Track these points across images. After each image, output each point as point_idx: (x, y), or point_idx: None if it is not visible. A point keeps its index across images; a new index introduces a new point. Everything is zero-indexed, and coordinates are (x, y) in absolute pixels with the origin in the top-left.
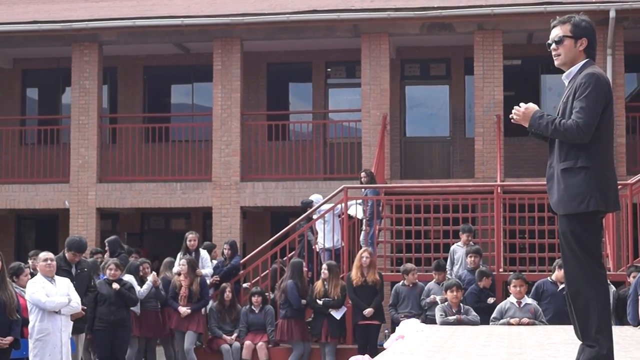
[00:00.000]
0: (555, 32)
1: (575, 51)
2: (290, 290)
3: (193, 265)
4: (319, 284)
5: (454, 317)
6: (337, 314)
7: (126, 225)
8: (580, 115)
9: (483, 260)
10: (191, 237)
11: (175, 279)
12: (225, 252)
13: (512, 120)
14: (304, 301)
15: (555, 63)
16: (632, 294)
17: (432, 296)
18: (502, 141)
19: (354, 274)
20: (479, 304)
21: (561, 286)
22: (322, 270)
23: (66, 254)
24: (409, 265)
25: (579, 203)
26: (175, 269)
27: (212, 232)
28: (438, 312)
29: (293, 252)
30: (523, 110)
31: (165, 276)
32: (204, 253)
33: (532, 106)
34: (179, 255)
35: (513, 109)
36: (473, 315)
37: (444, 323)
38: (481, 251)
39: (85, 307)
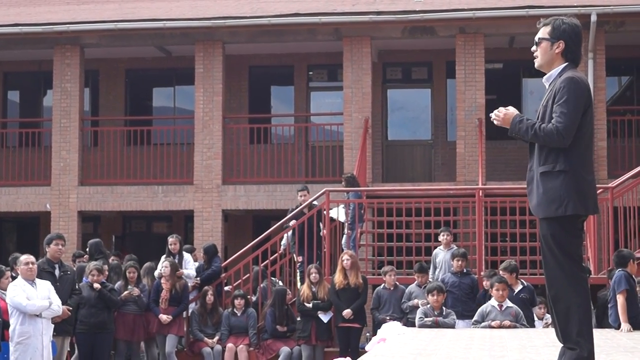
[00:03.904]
0: (538, 34)
1: (551, 54)
2: (267, 318)
3: (175, 268)
4: (305, 288)
5: (431, 319)
6: (324, 317)
7: (108, 228)
8: (560, 119)
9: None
10: (171, 241)
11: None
12: (202, 257)
13: (494, 122)
14: (281, 328)
15: (535, 64)
16: (612, 297)
17: (415, 300)
18: (484, 145)
19: (337, 276)
20: None
21: (517, 290)
22: (312, 274)
23: (48, 251)
24: (388, 267)
25: (558, 207)
26: (158, 271)
27: (194, 235)
28: (418, 315)
29: (275, 255)
30: (502, 116)
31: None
32: (187, 256)
33: (512, 110)
34: (163, 258)
35: (493, 112)
36: (451, 318)
37: (421, 326)
38: (467, 254)
39: (71, 308)
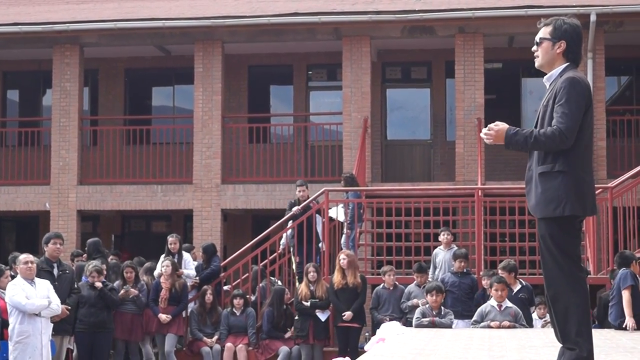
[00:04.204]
0: (538, 34)
1: (552, 53)
2: (264, 318)
3: (175, 267)
4: (303, 287)
5: (427, 319)
6: (322, 316)
7: (107, 227)
8: (562, 120)
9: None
10: (171, 240)
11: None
12: (201, 256)
13: (486, 141)
14: (289, 334)
15: (535, 64)
16: (615, 295)
17: (414, 300)
18: (483, 144)
19: (335, 276)
20: None
21: (515, 290)
22: (310, 273)
23: (47, 250)
24: (387, 267)
25: (555, 207)
26: (158, 271)
27: (193, 234)
28: (415, 315)
29: (274, 255)
30: (494, 133)
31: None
32: (186, 256)
33: (502, 125)
34: (162, 257)
35: (482, 132)
36: (448, 318)
37: (418, 325)
38: (468, 255)
39: (70, 308)
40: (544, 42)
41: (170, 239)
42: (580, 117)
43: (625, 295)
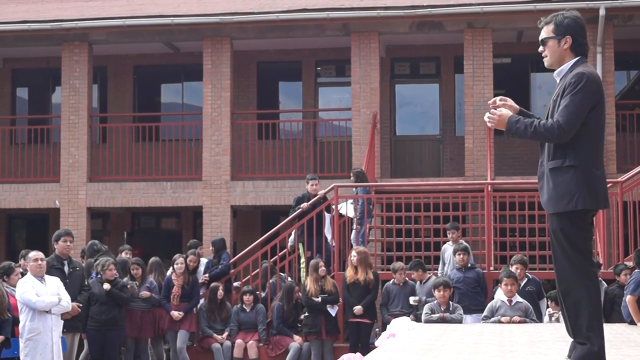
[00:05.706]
0: (541, 34)
1: (560, 50)
2: (274, 313)
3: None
4: (310, 283)
5: (437, 315)
6: (332, 311)
7: (117, 224)
8: (562, 114)
9: (474, 259)
10: (191, 259)
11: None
12: (211, 250)
13: (488, 124)
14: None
15: (545, 64)
16: (628, 292)
17: (416, 297)
18: (492, 139)
19: (348, 271)
20: None
21: (523, 283)
22: (320, 268)
23: (57, 248)
24: (398, 264)
25: (568, 202)
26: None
27: (203, 231)
28: (424, 311)
29: (284, 251)
30: (497, 118)
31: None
32: (200, 268)
33: (505, 111)
34: (177, 256)
35: (485, 115)
36: (458, 313)
37: (427, 321)
38: (469, 249)
39: (81, 305)
40: (549, 41)
41: (191, 256)
42: (584, 113)
43: (631, 301)
